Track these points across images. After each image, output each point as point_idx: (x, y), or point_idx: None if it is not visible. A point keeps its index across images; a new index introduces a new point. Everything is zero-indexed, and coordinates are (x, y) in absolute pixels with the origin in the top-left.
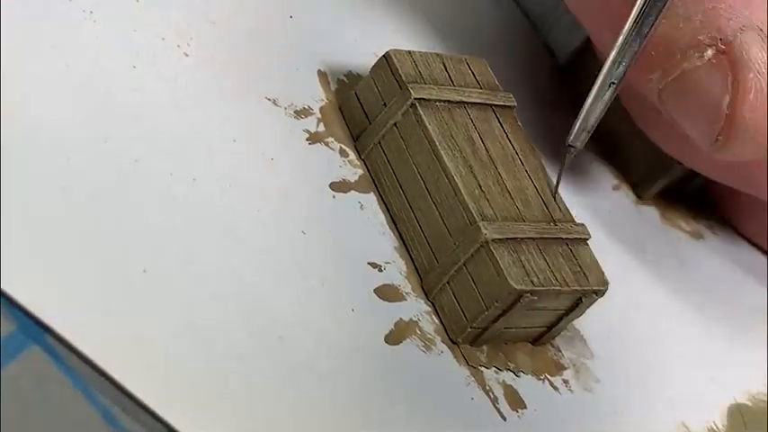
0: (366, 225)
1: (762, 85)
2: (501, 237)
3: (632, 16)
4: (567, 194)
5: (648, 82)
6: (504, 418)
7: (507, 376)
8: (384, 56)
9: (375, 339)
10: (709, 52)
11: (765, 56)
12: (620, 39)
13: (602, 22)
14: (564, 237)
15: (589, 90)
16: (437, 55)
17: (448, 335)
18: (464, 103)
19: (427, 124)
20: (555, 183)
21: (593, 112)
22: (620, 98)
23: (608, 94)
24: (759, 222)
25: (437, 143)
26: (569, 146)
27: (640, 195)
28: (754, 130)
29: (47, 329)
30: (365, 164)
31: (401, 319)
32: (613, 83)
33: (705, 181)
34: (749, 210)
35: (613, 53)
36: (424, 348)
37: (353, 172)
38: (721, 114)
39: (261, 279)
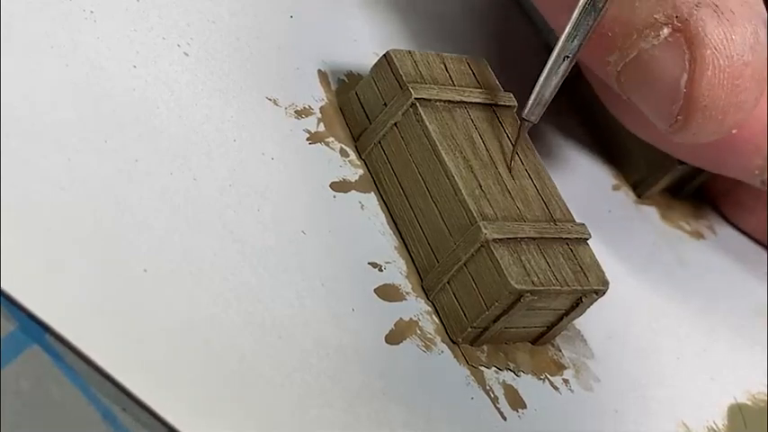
0: (366, 225)
1: (719, 62)
2: (501, 236)
3: None
4: (567, 194)
5: (606, 65)
6: (505, 418)
7: (507, 376)
8: (384, 56)
9: (375, 339)
10: (666, 31)
11: (722, 32)
12: (575, 12)
13: (557, 6)
14: (564, 236)
15: (544, 65)
16: (437, 55)
17: (448, 335)
18: (464, 102)
19: (427, 124)
20: (510, 158)
21: (548, 86)
22: (590, 80)
23: (563, 68)
24: (760, 218)
25: (437, 143)
26: (523, 119)
27: (640, 195)
28: (712, 108)
29: (47, 329)
30: (365, 164)
31: (401, 318)
32: (568, 56)
33: (705, 180)
34: (750, 205)
35: (568, 27)
36: (424, 348)
37: (354, 172)
38: (680, 93)
39: (261, 279)
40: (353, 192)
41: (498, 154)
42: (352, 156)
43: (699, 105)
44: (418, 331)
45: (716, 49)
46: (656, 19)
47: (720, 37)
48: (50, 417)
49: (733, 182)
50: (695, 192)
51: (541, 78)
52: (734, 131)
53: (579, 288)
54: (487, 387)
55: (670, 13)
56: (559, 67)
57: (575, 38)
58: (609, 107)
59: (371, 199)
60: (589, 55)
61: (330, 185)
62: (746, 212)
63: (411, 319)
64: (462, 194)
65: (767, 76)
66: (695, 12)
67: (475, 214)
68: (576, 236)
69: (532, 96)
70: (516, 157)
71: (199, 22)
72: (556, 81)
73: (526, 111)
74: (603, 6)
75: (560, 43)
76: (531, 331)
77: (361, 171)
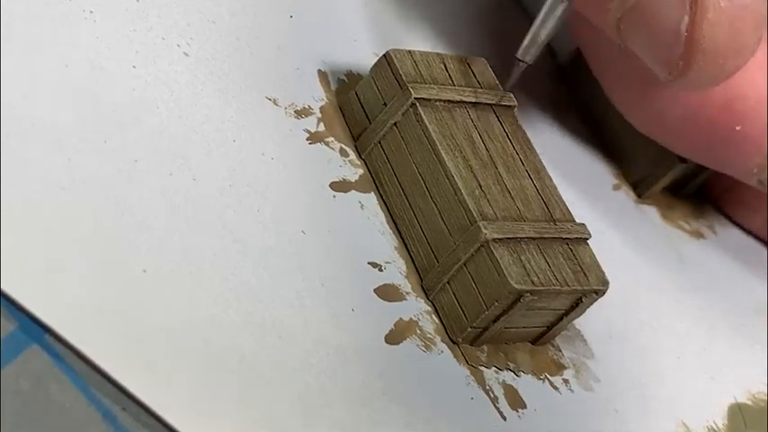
0: (366, 225)
1: (719, 5)
2: (501, 236)
3: None
4: (567, 194)
5: (607, 12)
6: (505, 418)
7: (507, 376)
8: (384, 55)
9: (375, 339)
10: None
11: None
12: None
13: None
14: (564, 236)
15: (541, 6)
16: (437, 55)
17: (448, 335)
18: (464, 102)
19: (427, 124)
20: (503, 90)
21: (545, 27)
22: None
23: (559, 10)
24: (763, 216)
25: (437, 143)
26: (518, 60)
27: (641, 195)
28: (713, 51)
29: (47, 329)
30: (365, 163)
31: (401, 318)
32: None
33: (706, 179)
34: (753, 204)
35: None
36: (423, 348)
37: (354, 172)
38: (680, 37)
39: (261, 279)
40: (353, 191)
41: (498, 154)
42: (352, 156)
43: (699, 48)
44: (418, 331)
45: None
46: None
47: None
48: (50, 417)
49: (735, 180)
50: (696, 191)
51: (538, 19)
52: (738, 128)
53: (579, 288)
54: (487, 387)
55: None
56: (556, 8)
57: None
58: (612, 98)
59: (371, 199)
60: (589, 3)
61: (330, 185)
62: (750, 211)
63: (411, 319)
64: (462, 194)
65: (767, 20)
66: None
67: (475, 214)
68: (575, 236)
69: (528, 37)
70: (516, 157)
71: (199, 22)
72: (552, 23)
73: (521, 51)
74: None
75: None
76: (531, 331)
77: (360, 171)
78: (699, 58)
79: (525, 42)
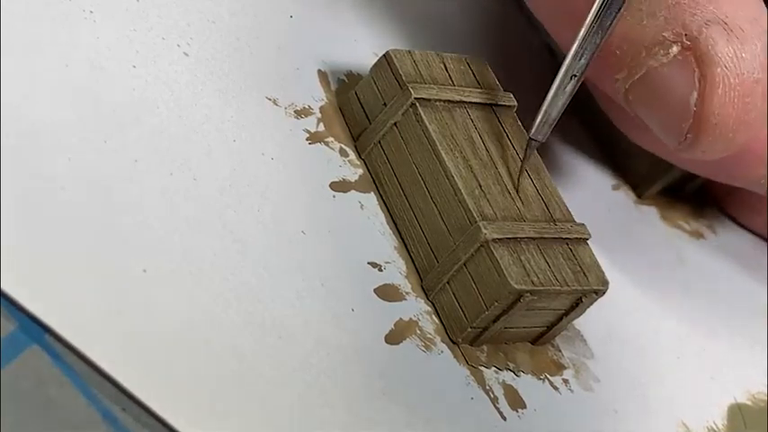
0: (366, 225)
1: (729, 81)
2: (501, 236)
3: (594, 8)
4: (567, 194)
5: (615, 82)
6: (505, 418)
7: (507, 376)
8: (384, 55)
9: (375, 339)
10: (675, 49)
11: (732, 50)
12: (582, 31)
13: (561, 19)
14: (564, 236)
15: (551, 84)
16: (437, 55)
17: (448, 335)
18: (464, 102)
19: (427, 124)
20: (517, 176)
21: (555, 105)
22: (595, 96)
23: (569, 87)
24: (764, 216)
25: (437, 143)
26: (531, 139)
27: (640, 195)
28: (723, 126)
29: (47, 329)
30: (365, 164)
31: (401, 318)
32: (575, 75)
33: (706, 179)
34: (756, 205)
35: (575, 45)
36: (423, 348)
37: (353, 172)
38: (689, 111)
39: (261, 279)
40: (353, 192)
41: (498, 154)
42: (352, 156)
43: (709, 124)
44: (418, 331)
45: (726, 67)
46: (664, 37)
47: (730, 55)
48: (50, 417)
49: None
50: (695, 191)
51: (548, 97)
52: None
53: (579, 288)
54: (487, 387)
55: (679, 31)
56: (566, 86)
57: (581, 56)
58: (614, 120)
59: (371, 199)
60: (596, 73)
61: (330, 185)
62: (752, 211)
63: (411, 319)
64: (462, 194)
65: None
66: (705, 29)
67: (475, 214)
68: (575, 236)
69: (539, 116)
70: (516, 158)
71: (199, 22)
72: (563, 100)
73: (533, 130)
74: (611, 25)
75: (567, 62)
76: (530, 331)
77: (360, 171)
78: (708, 133)
79: (537, 121)
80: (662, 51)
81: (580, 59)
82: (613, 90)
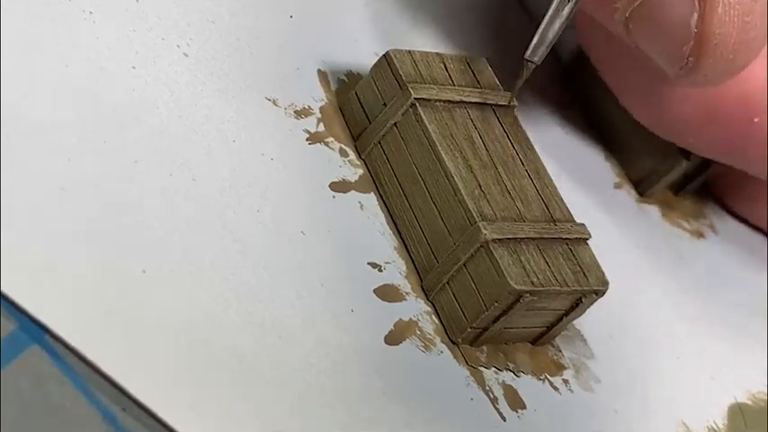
0: (366, 225)
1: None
2: (501, 237)
3: None
4: (567, 194)
5: (614, 11)
6: (504, 418)
7: (507, 376)
8: (384, 56)
9: (375, 339)
10: None
11: None
12: None
13: None
14: (564, 237)
15: (548, 5)
16: (437, 55)
17: (448, 335)
18: (464, 102)
19: (427, 124)
20: (513, 94)
21: (552, 27)
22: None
23: (566, 10)
24: (765, 207)
25: (437, 143)
26: (526, 60)
27: (641, 194)
28: (723, 46)
29: (47, 329)
30: (365, 164)
31: (401, 319)
32: None
33: (708, 178)
34: (755, 195)
35: None
36: (423, 348)
37: (353, 172)
38: (690, 33)
39: (261, 279)
40: (353, 192)
41: (498, 154)
42: (352, 156)
43: (710, 44)
44: (418, 331)
45: None
46: None
47: None
48: (50, 417)
49: (741, 176)
50: (696, 190)
51: (545, 20)
52: (756, 120)
53: (579, 288)
54: (487, 387)
55: None
56: (563, 9)
57: None
58: (621, 100)
59: (371, 199)
60: (596, 3)
61: (330, 185)
62: (758, 206)
63: (411, 319)
64: (462, 194)
65: None
66: None
67: (474, 214)
68: (575, 236)
69: (536, 37)
70: (516, 158)
71: (199, 22)
72: (559, 23)
73: (529, 51)
74: None
75: None
76: (530, 331)
77: (360, 171)
78: (709, 54)
79: (533, 42)
80: None
81: None
82: (613, 20)
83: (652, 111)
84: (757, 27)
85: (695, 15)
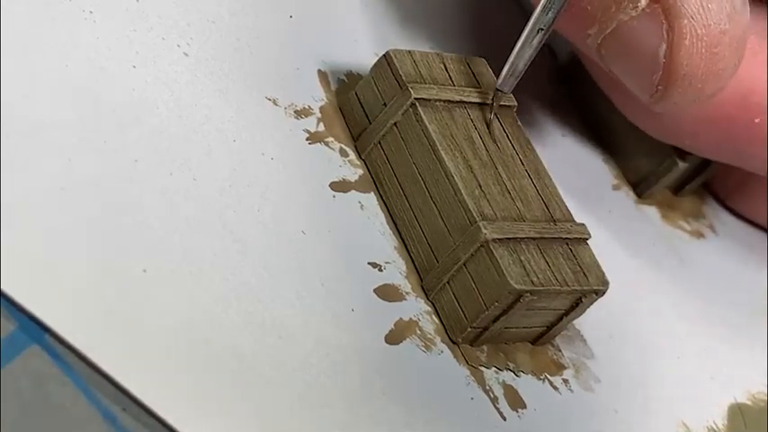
0: (366, 225)
1: (697, 32)
2: (501, 236)
3: None
4: (567, 194)
5: (587, 38)
6: (504, 418)
7: (507, 376)
8: (384, 56)
9: (375, 339)
10: (643, 2)
11: (698, 2)
12: None
13: None
14: (564, 236)
15: (518, 36)
16: (437, 55)
17: (448, 335)
18: (464, 102)
19: (427, 124)
20: (487, 124)
21: (522, 57)
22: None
23: (536, 40)
24: (765, 205)
25: (437, 143)
26: (497, 90)
27: (641, 195)
28: (692, 77)
29: (47, 329)
30: (365, 164)
31: (401, 318)
32: (542, 29)
33: (706, 179)
34: (756, 193)
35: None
36: (423, 348)
37: (353, 172)
38: (659, 64)
39: (261, 279)
40: (353, 192)
41: (498, 154)
42: (352, 156)
43: (678, 75)
44: (418, 331)
45: (693, 18)
46: None
47: (697, 6)
48: (50, 417)
49: (742, 173)
50: (696, 191)
51: (515, 50)
52: (757, 121)
53: (579, 288)
54: (487, 387)
55: None
56: (533, 39)
57: (549, 10)
58: (619, 107)
59: (371, 199)
60: (569, 29)
61: (330, 185)
62: (754, 201)
63: (411, 319)
64: (462, 194)
65: (744, 44)
66: None
67: (474, 214)
68: (575, 236)
69: (506, 67)
70: (516, 158)
71: (199, 22)
72: (530, 53)
73: (500, 81)
74: None
75: (535, 15)
76: (530, 331)
77: (360, 171)
78: (678, 84)
79: (503, 73)
80: (630, 5)
81: (548, 13)
82: (586, 46)
83: (648, 115)
84: (726, 58)
85: (663, 46)
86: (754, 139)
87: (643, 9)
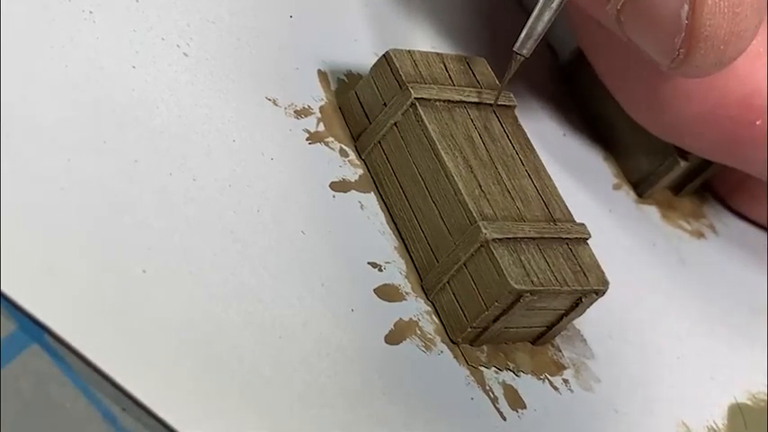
0: (366, 225)
1: None
2: (501, 236)
3: None
4: (567, 194)
5: (605, 4)
6: (504, 418)
7: (507, 376)
8: (384, 55)
9: (375, 339)
10: None
11: None
12: None
13: None
14: (564, 236)
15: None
16: (437, 54)
17: (448, 335)
18: (464, 102)
19: (427, 124)
20: (498, 93)
21: (541, 20)
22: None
23: (555, 3)
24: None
25: (437, 143)
26: (515, 53)
27: (641, 194)
28: (714, 38)
29: (47, 329)
30: (365, 163)
31: (401, 318)
32: None
33: (707, 179)
34: (757, 194)
35: None
36: (423, 348)
37: (353, 172)
38: (681, 25)
39: (261, 279)
40: (353, 191)
41: (498, 154)
42: (352, 156)
43: (701, 36)
44: (418, 331)
45: None
46: None
47: None
48: (50, 417)
49: (743, 174)
50: (696, 191)
51: (534, 12)
52: (758, 123)
53: (579, 288)
54: (487, 387)
55: None
56: (552, 2)
57: None
58: (622, 103)
59: (371, 199)
60: None
61: (330, 185)
62: (755, 202)
63: (411, 319)
64: (462, 194)
65: (766, 4)
66: None
67: (475, 214)
68: (575, 236)
69: (525, 30)
70: (516, 157)
71: (199, 22)
72: (548, 15)
73: (518, 44)
74: None
75: None
76: (530, 331)
77: (360, 171)
78: (700, 46)
79: (522, 35)
80: None
81: None
82: (604, 13)
83: (651, 112)
84: (748, 18)
85: (686, 7)
86: (754, 140)
87: None
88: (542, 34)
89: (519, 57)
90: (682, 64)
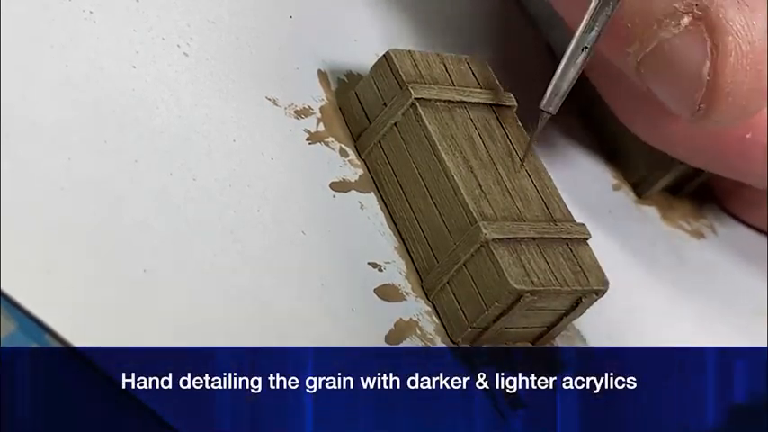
0: (366, 225)
1: (741, 49)
2: (501, 236)
3: None
4: (567, 194)
5: (626, 56)
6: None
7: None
8: (384, 56)
9: (375, 339)
10: (686, 19)
11: (743, 18)
12: (593, 3)
13: (573, 2)
14: (564, 237)
15: (561, 56)
16: (437, 55)
17: (448, 335)
18: (464, 102)
19: (427, 124)
20: (525, 150)
21: (566, 77)
22: (597, 86)
23: (580, 59)
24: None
25: (437, 143)
26: (542, 111)
27: (641, 195)
28: (736, 95)
29: (47, 329)
30: (365, 164)
31: (401, 318)
32: (586, 47)
33: (706, 179)
34: (756, 200)
35: (585, 18)
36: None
37: (353, 172)
38: (702, 82)
39: (261, 279)
40: (353, 192)
41: (498, 154)
42: (352, 156)
43: (722, 92)
44: (418, 331)
45: (738, 35)
46: (675, 8)
47: (741, 23)
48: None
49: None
50: (695, 191)
51: (559, 69)
52: (747, 136)
53: (579, 288)
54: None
55: (690, 1)
56: (577, 58)
57: (592, 29)
58: (616, 113)
59: (371, 199)
60: (608, 46)
61: (330, 185)
62: (754, 208)
63: (411, 319)
64: (462, 195)
65: None
66: None
67: (475, 214)
68: (575, 236)
69: (550, 87)
70: (516, 158)
71: (199, 22)
72: (573, 72)
73: (544, 102)
74: None
75: (578, 34)
76: (530, 331)
77: (360, 171)
78: (722, 102)
79: (548, 93)
80: (673, 22)
81: (590, 31)
82: (625, 64)
83: (644, 125)
84: None
85: (707, 64)
86: (745, 153)
87: (686, 26)
88: (568, 91)
89: (546, 114)
90: (702, 118)
